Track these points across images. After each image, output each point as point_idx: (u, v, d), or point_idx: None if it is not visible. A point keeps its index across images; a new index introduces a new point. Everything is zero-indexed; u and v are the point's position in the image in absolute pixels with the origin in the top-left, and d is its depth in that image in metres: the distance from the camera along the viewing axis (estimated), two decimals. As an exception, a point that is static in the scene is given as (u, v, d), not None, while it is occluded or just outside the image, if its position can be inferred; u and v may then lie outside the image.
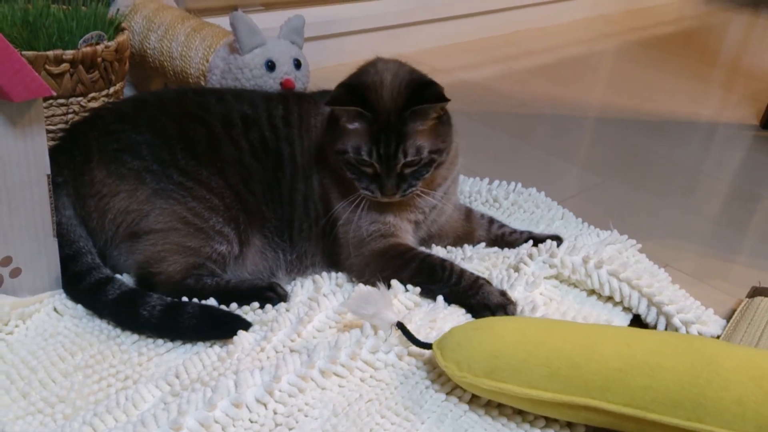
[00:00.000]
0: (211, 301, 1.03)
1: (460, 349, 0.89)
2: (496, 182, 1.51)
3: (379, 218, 1.14)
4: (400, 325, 0.97)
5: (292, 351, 0.97)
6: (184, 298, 1.03)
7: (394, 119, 1.05)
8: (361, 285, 1.11)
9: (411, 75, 1.10)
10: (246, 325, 0.99)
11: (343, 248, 1.15)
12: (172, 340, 0.98)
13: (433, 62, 2.37)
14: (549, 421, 0.90)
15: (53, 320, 1.00)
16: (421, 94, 1.05)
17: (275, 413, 0.86)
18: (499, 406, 0.91)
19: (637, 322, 1.13)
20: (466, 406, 0.91)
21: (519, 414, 0.91)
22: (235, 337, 0.97)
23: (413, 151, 1.06)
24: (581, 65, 2.65)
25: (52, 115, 1.26)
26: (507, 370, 0.86)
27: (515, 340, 0.88)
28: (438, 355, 0.90)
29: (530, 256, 1.19)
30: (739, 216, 1.61)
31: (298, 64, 1.50)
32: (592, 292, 1.16)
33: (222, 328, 0.99)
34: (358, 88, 1.07)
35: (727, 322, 1.13)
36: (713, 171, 1.85)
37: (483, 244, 1.27)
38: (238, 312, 1.03)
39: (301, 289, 1.11)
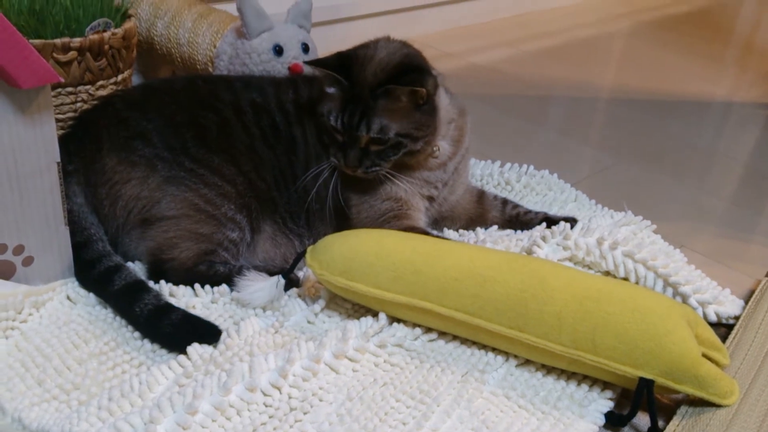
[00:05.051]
0: (223, 288, 1.03)
1: (324, 251, 0.98)
2: (508, 165, 1.50)
3: (391, 194, 1.14)
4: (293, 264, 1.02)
5: (304, 336, 0.97)
6: (191, 288, 1.02)
7: (367, 93, 1.06)
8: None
9: (405, 58, 1.10)
10: (218, 334, 0.93)
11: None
12: (151, 342, 0.94)
13: (442, 46, 2.35)
14: (560, 410, 0.89)
15: (66, 308, 0.99)
16: (400, 76, 1.05)
17: (290, 397, 0.86)
18: (514, 390, 0.90)
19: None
20: (482, 389, 0.90)
21: (535, 396, 0.90)
22: (243, 322, 0.97)
23: (377, 128, 1.06)
24: (593, 46, 2.61)
25: (61, 104, 1.25)
26: (358, 271, 0.95)
27: (371, 247, 0.97)
28: (308, 257, 1.00)
29: (543, 239, 1.17)
30: (755, 196, 1.59)
31: (306, 48, 1.49)
32: (606, 273, 1.15)
33: (193, 338, 0.92)
34: (347, 58, 1.09)
35: (745, 302, 1.12)
36: (728, 151, 1.83)
37: (496, 227, 1.26)
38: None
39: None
